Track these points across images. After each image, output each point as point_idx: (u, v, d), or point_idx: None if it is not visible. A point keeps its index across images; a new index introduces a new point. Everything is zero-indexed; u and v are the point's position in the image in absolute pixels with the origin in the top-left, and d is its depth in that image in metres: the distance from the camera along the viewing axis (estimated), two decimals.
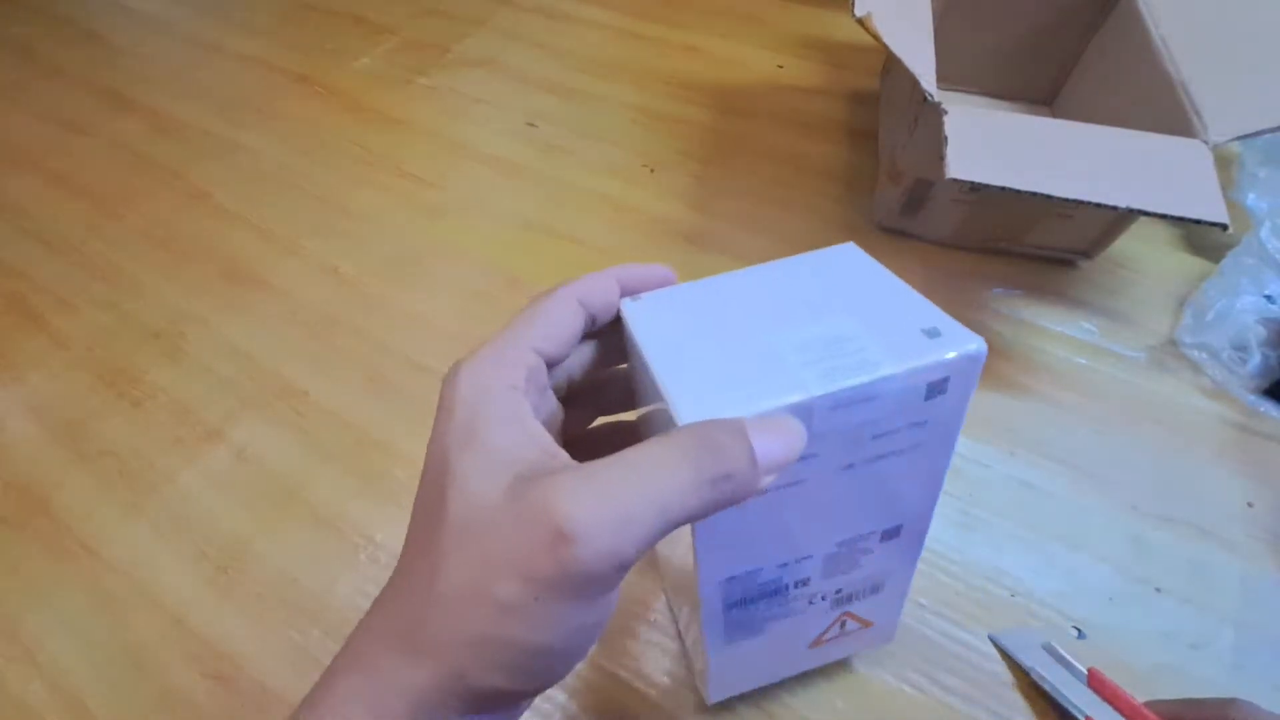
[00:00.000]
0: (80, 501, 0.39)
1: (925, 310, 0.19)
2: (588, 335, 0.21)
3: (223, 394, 0.43)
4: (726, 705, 0.31)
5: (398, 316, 0.47)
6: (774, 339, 0.19)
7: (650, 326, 0.20)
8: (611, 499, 0.15)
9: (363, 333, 0.46)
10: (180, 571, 0.36)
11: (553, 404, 0.21)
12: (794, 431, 0.17)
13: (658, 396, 0.18)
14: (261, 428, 0.42)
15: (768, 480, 0.16)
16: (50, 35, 0.74)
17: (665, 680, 0.32)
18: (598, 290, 0.20)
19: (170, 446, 0.41)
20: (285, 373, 0.44)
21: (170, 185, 0.57)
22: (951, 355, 0.18)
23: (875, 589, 0.26)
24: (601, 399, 0.23)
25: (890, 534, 0.23)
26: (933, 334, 0.18)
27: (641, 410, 0.23)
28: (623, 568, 0.15)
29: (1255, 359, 0.41)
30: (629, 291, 0.21)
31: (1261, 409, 0.40)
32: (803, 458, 0.17)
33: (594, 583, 0.15)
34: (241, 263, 0.51)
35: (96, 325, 0.47)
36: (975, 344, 0.18)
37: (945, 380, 0.18)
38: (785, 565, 0.23)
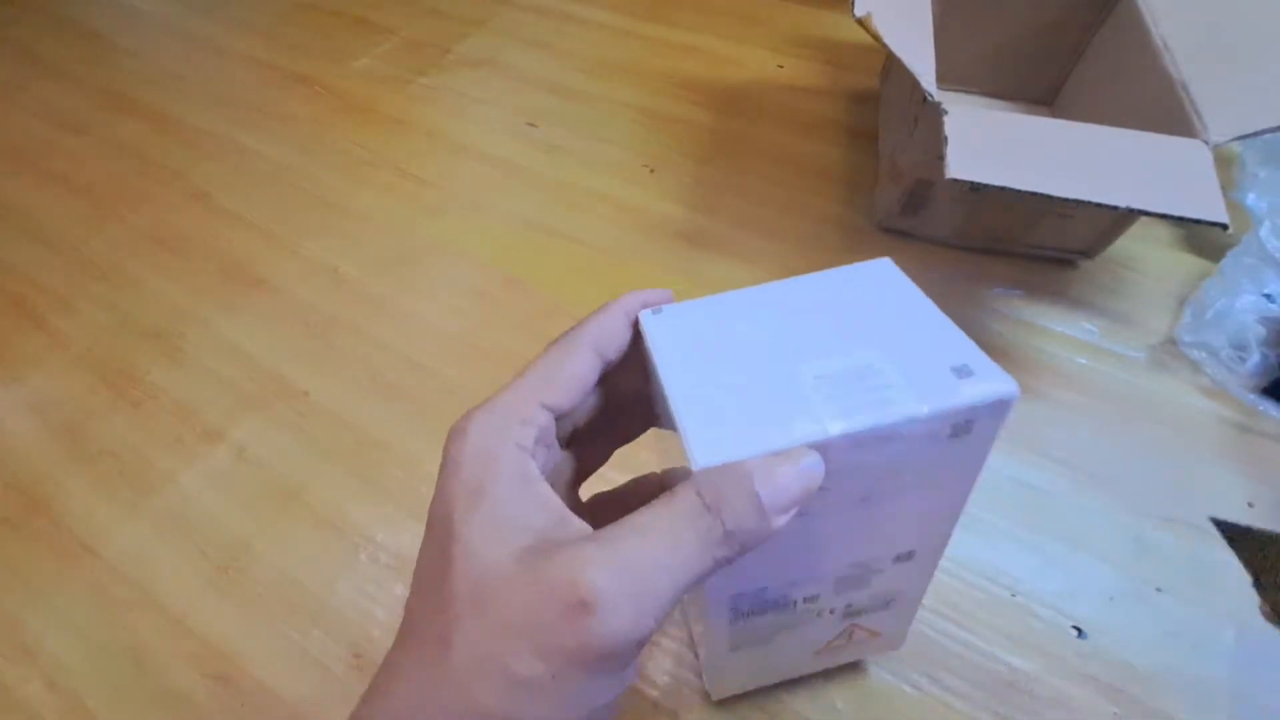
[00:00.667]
0: (80, 501, 0.39)
1: (957, 343, 0.18)
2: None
3: (223, 394, 0.43)
4: (726, 705, 0.31)
5: (398, 316, 0.47)
6: (796, 366, 0.18)
7: (669, 346, 0.19)
8: (631, 571, 0.15)
9: (363, 332, 0.46)
10: (180, 571, 0.36)
11: (560, 458, 0.21)
12: (808, 470, 0.16)
13: (673, 426, 0.18)
14: (261, 428, 0.42)
15: (779, 523, 0.16)
16: (51, 35, 0.74)
17: (666, 680, 0.32)
18: (613, 334, 0.20)
19: (170, 446, 0.41)
20: (285, 373, 0.44)
21: (170, 185, 0.57)
22: (980, 399, 0.17)
23: (886, 604, 0.26)
24: (615, 428, 0.23)
25: (903, 557, 0.23)
26: (963, 372, 0.17)
27: (663, 430, 0.22)
28: (642, 641, 0.15)
29: (1255, 358, 0.41)
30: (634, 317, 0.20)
31: (1261, 408, 0.40)
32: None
33: (616, 656, 0.15)
34: (242, 263, 0.51)
35: (96, 325, 0.47)
36: (1006, 387, 0.17)
37: (971, 423, 0.17)
38: (794, 584, 0.22)
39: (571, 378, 0.19)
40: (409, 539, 0.36)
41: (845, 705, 0.31)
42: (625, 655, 0.15)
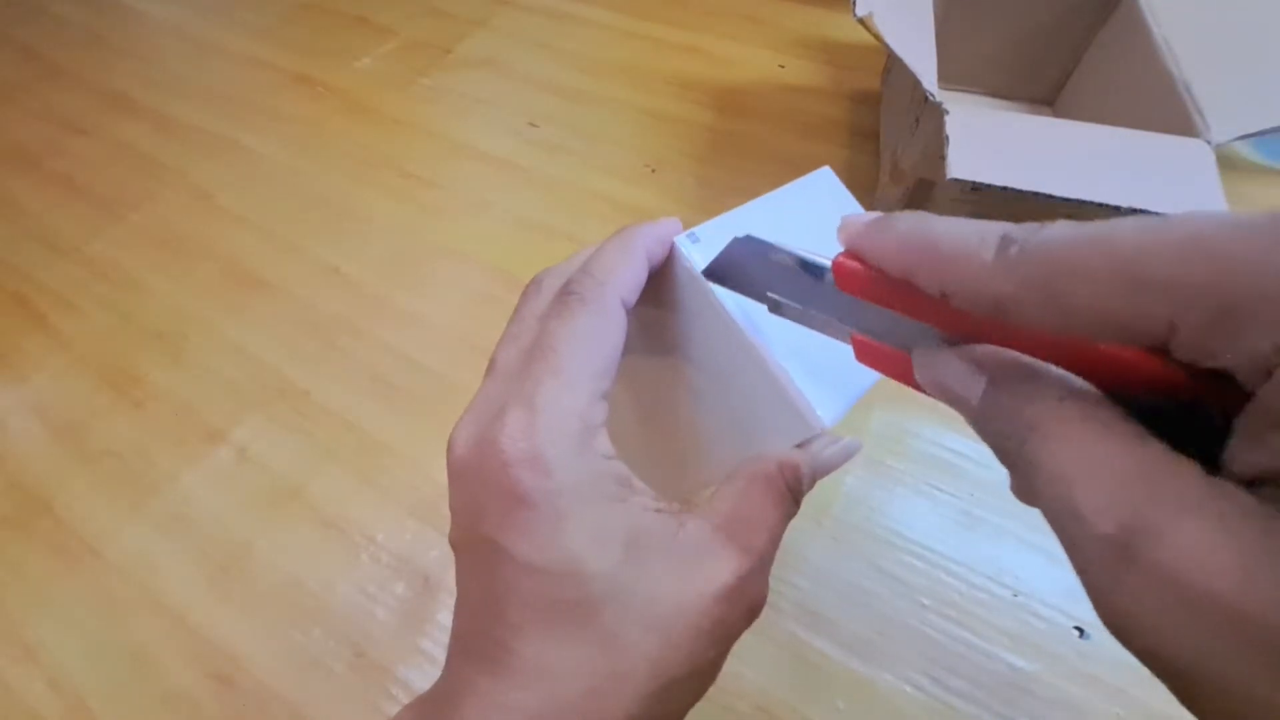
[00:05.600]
0: (82, 502, 0.39)
1: None
2: None
3: (224, 394, 0.43)
4: (728, 706, 0.31)
5: (399, 316, 0.47)
6: None
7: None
8: (757, 559, 0.17)
9: (364, 333, 0.46)
10: (182, 571, 0.36)
11: None
12: (849, 451, 0.20)
13: (762, 380, 0.19)
14: (263, 428, 0.42)
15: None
16: (52, 36, 0.74)
17: None
18: (638, 284, 0.18)
19: (172, 447, 0.41)
20: (287, 373, 0.44)
21: (172, 186, 0.57)
22: None
23: None
24: None
25: None
26: None
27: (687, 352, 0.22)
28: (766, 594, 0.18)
29: None
30: (654, 262, 0.19)
31: None
32: None
33: (761, 608, 0.17)
34: (243, 263, 0.51)
35: (99, 326, 0.47)
36: None
37: None
38: None
39: (616, 354, 0.17)
40: (410, 539, 0.36)
41: (847, 706, 0.31)
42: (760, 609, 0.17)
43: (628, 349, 0.18)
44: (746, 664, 0.32)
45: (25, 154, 0.60)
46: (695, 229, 0.20)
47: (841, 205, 0.24)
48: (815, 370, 0.19)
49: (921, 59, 0.39)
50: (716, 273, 0.19)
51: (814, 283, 0.16)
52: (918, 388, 0.15)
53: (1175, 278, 0.09)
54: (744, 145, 0.58)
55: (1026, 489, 0.12)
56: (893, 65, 0.56)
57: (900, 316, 0.14)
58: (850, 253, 0.14)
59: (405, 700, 0.31)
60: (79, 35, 0.74)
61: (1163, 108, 0.40)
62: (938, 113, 0.37)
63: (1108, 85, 0.50)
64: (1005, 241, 0.11)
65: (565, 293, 0.17)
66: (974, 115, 0.37)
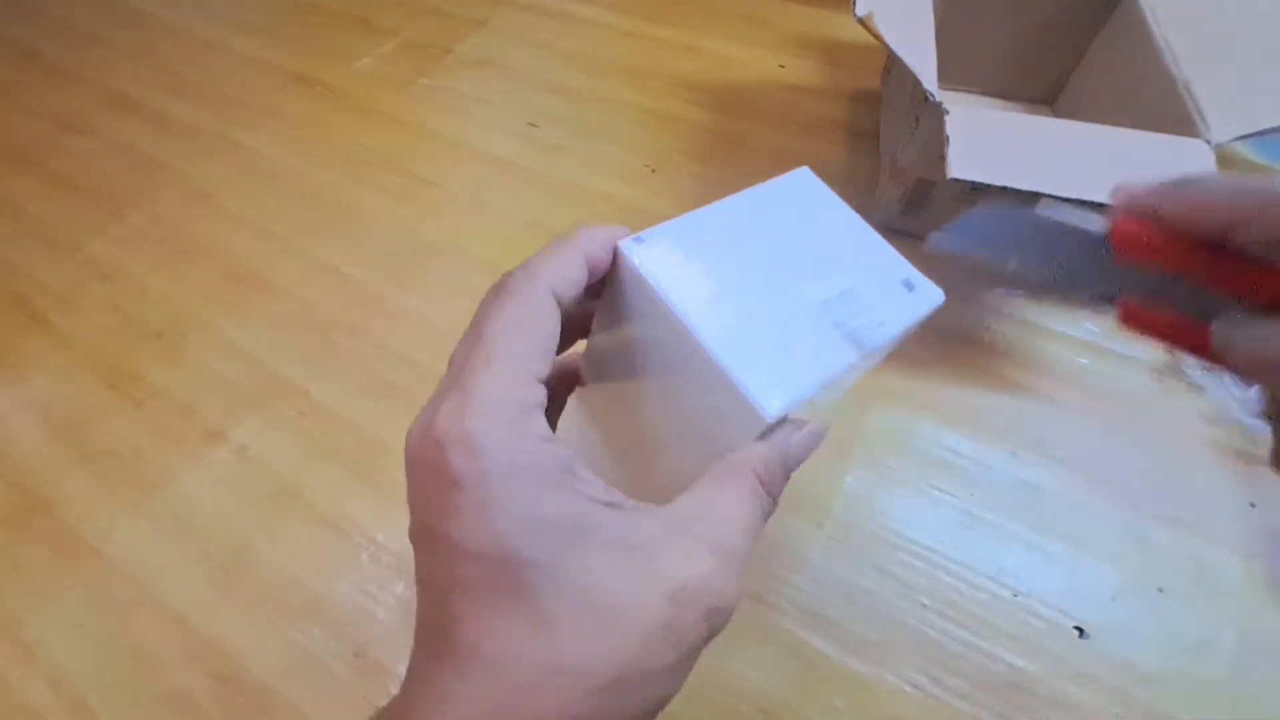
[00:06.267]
0: (82, 501, 0.39)
1: (890, 257, 0.22)
2: None
3: (224, 394, 0.43)
4: (728, 706, 0.31)
5: (398, 316, 0.47)
6: (795, 293, 0.20)
7: (670, 281, 0.19)
8: (727, 558, 0.16)
9: (364, 332, 0.46)
10: (182, 571, 0.36)
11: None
12: (817, 435, 0.19)
13: (704, 367, 0.18)
14: (263, 428, 0.42)
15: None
16: (52, 36, 0.74)
17: None
18: (573, 281, 0.18)
19: (172, 446, 0.41)
20: (286, 372, 0.44)
21: (172, 185, 0.57)
22: (928, 308, 0.21)
23: None
24: None
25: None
26: (909, 286, 0.21)
27: (595, 337, 0.22)
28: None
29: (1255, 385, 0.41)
30: (594, 262, 0.19)
31: (1259, 432, 0.40)
32: None
33: (729, 613, 0.16)
34: (243, 263, 0.51)
35: (98, 325, 0.47)
36: (939, 297, 0.21)
37: (916, 324, 0.21)
38: None
39: (550, 341, 0.18)
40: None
41: (846, 706, 0.31)
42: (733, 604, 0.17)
43: (602, 373, 0.18)
44: (746, 664, 0.32)
45: (26, 154, 0.60)
46: (642, 232, 0.20)
47: (824, 206, 0.24)
48: (764, 360, 0.18)
49: (921, 59, 0.39)
50: (955, 236, 0.18)
51: (1069, 247, 0.15)
52: (1200, 354, 0.13)
53: None
54: (743, 145, 0.58)
55: None
56: (893, 65, 0.56)
57: (1180, 282, 0.13)
58: (1134, 215, 0.13)
59: None
60: (79, 35, 0.74)
61: (1163, 108, 0.40)
62: (938, 113, 0.37)
63: (1108, 85, 0.50)
64: None
65: (498, 287, 0.18)
66: (974, 115, 0.37)
